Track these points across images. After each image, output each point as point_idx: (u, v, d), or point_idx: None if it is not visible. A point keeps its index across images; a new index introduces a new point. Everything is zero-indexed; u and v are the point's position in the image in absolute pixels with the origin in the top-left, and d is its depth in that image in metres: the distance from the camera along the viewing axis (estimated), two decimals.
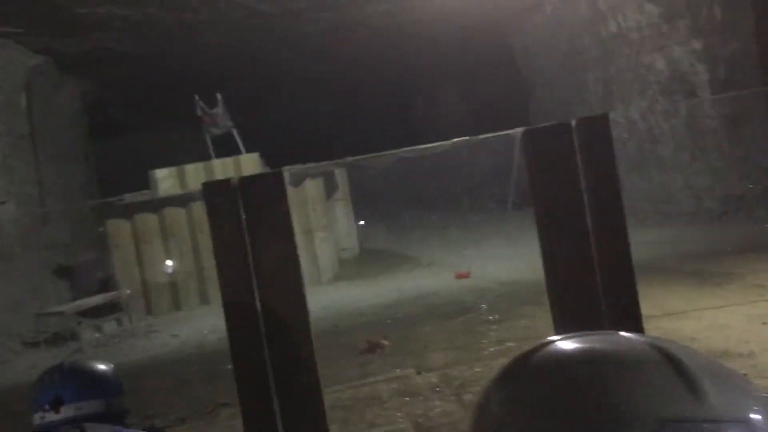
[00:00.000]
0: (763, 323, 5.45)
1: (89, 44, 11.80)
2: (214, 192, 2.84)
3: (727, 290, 6.69)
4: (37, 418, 2.04)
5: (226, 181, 2.86)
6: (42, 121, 12.26)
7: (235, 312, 2.86)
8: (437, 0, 12.19)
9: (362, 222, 14.11)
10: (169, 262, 11.05)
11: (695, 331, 5.63)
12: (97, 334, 10.22)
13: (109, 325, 10.52)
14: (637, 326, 2.36)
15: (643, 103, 11.68)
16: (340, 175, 13.38)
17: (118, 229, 11.38)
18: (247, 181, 2.85)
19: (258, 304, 2.78)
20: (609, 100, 12.68)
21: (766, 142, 9.90)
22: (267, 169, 12.34)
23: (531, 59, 16.17)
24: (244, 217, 2.80)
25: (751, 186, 9.85)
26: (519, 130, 2.32)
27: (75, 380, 2.05)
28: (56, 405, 2.00)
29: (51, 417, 2.00)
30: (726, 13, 9.90)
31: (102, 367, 2.13)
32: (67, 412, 1.99)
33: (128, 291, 11.03)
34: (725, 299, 6.33)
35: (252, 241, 2.82)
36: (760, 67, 9.64)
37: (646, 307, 2.82)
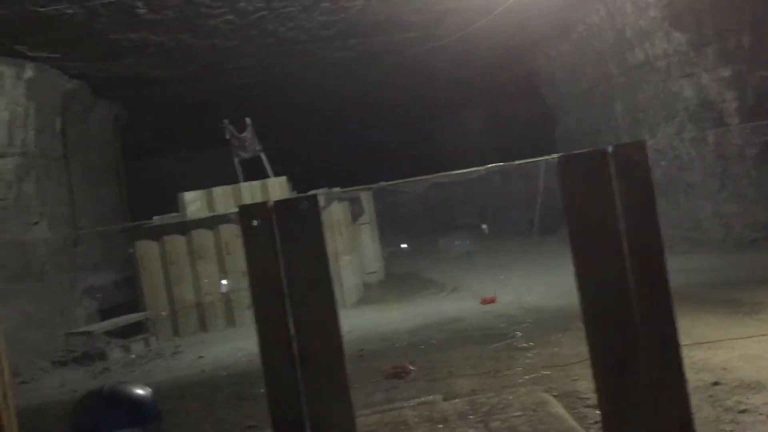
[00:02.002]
0: None
1: (122, 69, 12.05)
2: (250, 214, 2.86)
3: (758, 320, 6.58)
4: None
5: (262, 204, 2.89)
6: (75, 144, 12.51)
7: (268, 334, 2.87)
8: (463, 27, 12.28)
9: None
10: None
11: (726, 361, 5.54)
12: (129, 354, 10.32)
13: (137, 346, 10.60)
14: (676, 356, 2.35)
15: (670, 130, 11.63)
16: (366, 199, 13.44)
17: (147, 250, 11.51)
18: (283, 204, 2.88)
19: (291, 327, 2.79)
20: (636, 127, 12.64)
21: None
22: (294, 193, 12.45)
23: (556, 86, 16.18)
24: (278, 239, 2.82)
25: None
26: (554, 156, 2.34)
27: (113, 407, 2.05)
28: None
29: None
30: (755, 40, 9.86)
31: (140, 392, 2.14)
32: None
33: (162, 312, 11.17)
34: (757, 329, 6.23)
35: (286, 263, 2.84)
36: None
37: None
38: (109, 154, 14.52)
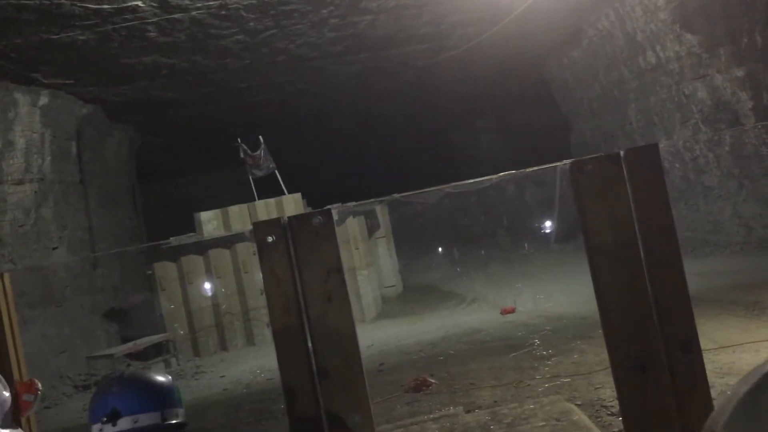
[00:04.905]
0: None
1: (135, 92, 12.16)
2: (265, 231, 2.87)
3: None
4: (95, 430, 2.03)
5: (276, 220, 2.90)
6: (91, 168, 12.62)
7: (287, 350, 2.87)
8: (473, 37, 12.29)
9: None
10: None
11: (752, 364, 5.44)
12: None
13: (158, 367, 10.62)
14: (696, 360, 2.31)
15: (686, 133, 11.54)
16: (382, 213, 13.44)
17: (165, 271, 11.56)
18: (297, 220, 2.88)
19: (309, 342, 2.78)
20: (651, 130, 12.56)
21: None
22: (309, 209, 12.48)
23: (569, 93, 16.13)
24: (293, 255, 2.82)
25: None
26: (567, 162, 2.32)
27: (133, 392, 2.03)
28: (113, 417, 1.99)
29: (108, 429, 1.99)
30: (767, 39, 9.78)
31: (160, 378, 2.12)
32: (123, 424, 1.98)
33: (181, 332, 11.22)
34: None
35: (302, 278, 2.84)
36: None
37: (700, 341, 2.75)
38: (124, 177, 14.64)
